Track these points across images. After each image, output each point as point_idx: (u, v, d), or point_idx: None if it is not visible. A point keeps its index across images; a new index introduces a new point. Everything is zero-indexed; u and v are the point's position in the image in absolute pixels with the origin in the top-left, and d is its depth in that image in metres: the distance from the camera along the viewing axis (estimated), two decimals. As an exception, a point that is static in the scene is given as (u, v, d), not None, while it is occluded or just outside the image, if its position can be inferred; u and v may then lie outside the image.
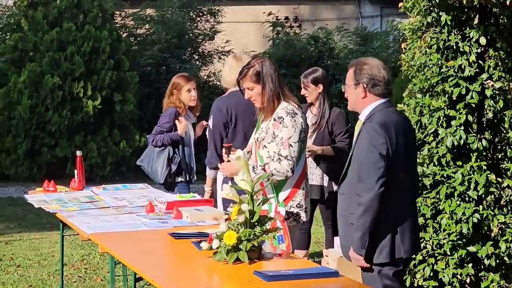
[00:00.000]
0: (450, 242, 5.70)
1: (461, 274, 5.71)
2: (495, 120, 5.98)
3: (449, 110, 5.83)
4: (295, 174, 5.21)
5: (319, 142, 7.31)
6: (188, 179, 7.34)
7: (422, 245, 5.81)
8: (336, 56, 17.32)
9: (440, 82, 5.85)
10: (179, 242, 4.73)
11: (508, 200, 5.92)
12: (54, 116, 14.48)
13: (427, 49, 5.93)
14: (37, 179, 13.88)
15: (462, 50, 5.78)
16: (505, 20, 6.00)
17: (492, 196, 5.85)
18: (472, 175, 5.72)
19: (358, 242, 4.54)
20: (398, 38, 16.54)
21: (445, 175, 5.80)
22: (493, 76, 5.78)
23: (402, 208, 4.66)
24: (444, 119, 5.83)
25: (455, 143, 5.74)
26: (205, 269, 4.21)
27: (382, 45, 18.18)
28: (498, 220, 5.73)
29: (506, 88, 5.83)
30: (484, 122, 6.00)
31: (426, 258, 5.82)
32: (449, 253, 5.72)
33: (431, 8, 5.89)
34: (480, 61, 5.80)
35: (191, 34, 17.82)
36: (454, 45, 5.80)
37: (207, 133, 7.24)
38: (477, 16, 5.88)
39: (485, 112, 6.00)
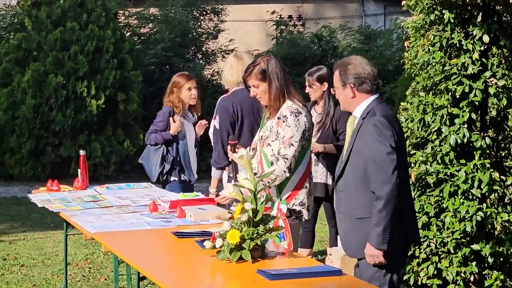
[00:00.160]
0: (453, 240, 5.69)
1: (465, 272, 5.71)
2: (499, 118, 5.97)
3: (452, 108, 5.82)
4: (299, 173, 5.21)
5: (323, 140, 7.31)
6: (181, 178, 7.29)
7: (425, 243, 5.81)
8: (340, 54, 17.30)
9: (443, 80, 5.84)
10: (183, 241, 4.73)
11: (511, 198, 5.91)
12: (58, 116, 14.49)
13: (430, 47, 5.93)
14: (41, 179, 13.89)
15: (465, 48, 5.77)
16: (508, 18, 6.00)
17: (496, 194, 5.84)
18: (476, 173, 5.72)
19: (380, 237, 4.51)
20: (402, 36, 16.53)
21: (448, 173, 5.79)
22: (496, 74, 5.77)
23: (407, 200, 4.71)
24: (448, 117, 5.82)
25: (459, 141, 5.74)
26: (208, 268, 4.21)
27: (386, 43, 18.18)
28: (501, 218, 5.73)
29: (510, 86, 5.82)
30: (488, 120, 5.99)
31: (429, 256, 5.81)
32: (452, 251, 5.71)
33: (434, 6, 5.88)
34: (483, 59, 5.79)
35: (194, 33, 17.82)
36: (457, 43, 5.79)
37: (210, 133, 7.23)
38: (480, 14, 5.87)
39: (488, 110, 5.99)
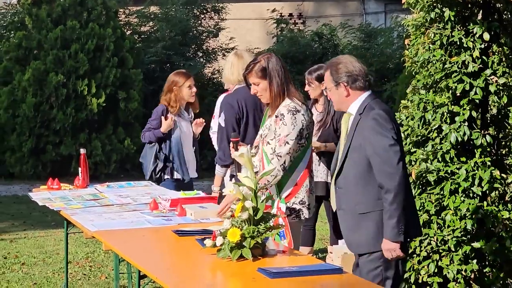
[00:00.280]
0: (454, 238, 5.69)
1: (465, 270, 5.71)
2: (499, 116, 5.97)
3: (453, 106, 5.82)
4: (299, 171, 5.20)
5: (324, 139, 7.31)
6: (174, 177, 7.28)
7: (426, 241, 5.81)
8: (340, 52, 17.28)
9: (443, 78, 5.84)
10: (183, 239, 4.73)
11: (512, 196, 5.92)
12: (58, 114, 14.49)
13: (430, 45, 5.93)
14: (41, 177, 13.89)
15: (466, 46, 5.77)
16: (509, 16, 5.99)
17: (496, 192, 5.84)
18: (476, 171, 5.72)
19: (395, 229, 4.53)
20: (402, 34, 16.52)
21: (449, 171, 5.79)
22: (497, 71, 5.77)
23: (409, 191, 4.73)
24: (448, 115, 5.82)
25: (459, 139, 5.74)
26: (209, 266, 4.21)
27: (386, 42, 18.18)
28: (502, 216, 5.73)
29: (510, 83, 5.82)
30: (488, 118, 5.99)
31: (430, 254, 5.81)
32: (453, 249, 5.71)
33: (435, 4, 5.88)
34: (483, 57, 5.79)
35: (195, 31, 17.81)
36: (458, 41, 5.79)
37: (210, 133, 7.22)
38: (481, 11, 5.87)
39: (489, 108, 5.99)
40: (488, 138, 5.78)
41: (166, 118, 7.24)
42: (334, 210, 4.95)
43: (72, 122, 14.53)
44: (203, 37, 17.94)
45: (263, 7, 20.07)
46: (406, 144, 5.96)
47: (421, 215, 5.75)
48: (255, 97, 5.49)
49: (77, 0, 14.96)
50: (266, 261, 4.18)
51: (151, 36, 17.44)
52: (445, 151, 5.80)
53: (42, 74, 14.52)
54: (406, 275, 5.75)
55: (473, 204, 5.69)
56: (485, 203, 5.75)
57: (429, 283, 5.79)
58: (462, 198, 5.73)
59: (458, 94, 5.80)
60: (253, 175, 4.34)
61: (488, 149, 5.85)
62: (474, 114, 5.79)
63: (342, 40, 18.18)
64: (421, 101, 5.97)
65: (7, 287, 7.38)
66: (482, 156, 5.76)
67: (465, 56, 5.77)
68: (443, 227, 5.77)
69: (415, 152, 5.93)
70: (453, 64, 5.79)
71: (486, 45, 5.82)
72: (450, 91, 5.81)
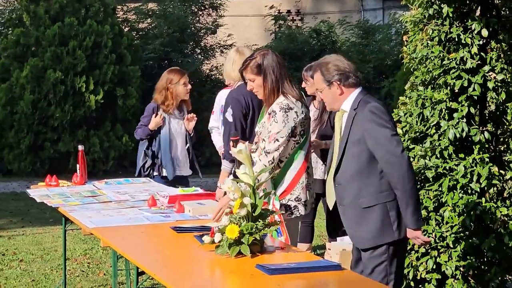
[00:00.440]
0: (452, 235, 5.69)
1: (464, 267, 5.71)
2: (498, 112, 5.97)
3: (451, 103, 5.81)
4: (294, 169, 5.18)
5: (321, 136, 7.29)
6: (163, 174, 7.27)
7: (424, 237, 5.81)
8: (338, 49, 17.29)
9: (442, 74, 5.83)
10: (181, 236, 4.72)
11: (510, 192, 5.91)
12: (56, 111, 14.49)
13: (428, 42, 5.92)
14: (40, 174, 13.89)
15: (464, 42, 5.76)
16: (507, 12, 5.99)
17: (495, 188, 5.84)
18: (475, 168, 5.71)
19: (414, 216, 4.58)
20: (400, 31, 16.54)
21: (447, 168, 5.79)
22: (495, 68, 5.77)
23: (416, 179, 4.81)
24: (446, 111, 5.82)
25: (457, 135, 5.73)
26: (207, 263, 4.20)
27: (384, 38, 18.19)
28: (501, 212, 5.73)
29: (509, 80, 5.81)
30: (487, 114, 5.99)
31: (428, 250, 5.81)
32: (452, 246, 5.71)
33: (433, 0, 5.87)
34: (482, 53, 5.79)
35: (193, 28, 17.80)
36: (456, 37, 5.78)
37: (209, 127, 7.20)
38: (479, 8, 5.86)
39: (487, 104, 5.98)
40: (486, 134, 5.78)
41: (154, 116, 7.27)
42: (330, 208, 4.95)
43: (70, 119, 14.53)
44: (201, 34, 17.93)
45: (261, 3, 20.06)
46: (404, 140, 5.96)
47: (420, 212, 5.75)
48: None
49: (75, -3, 14.98)
50: (265, 258, 4.18)
51: (149, 33, 17.44)
52: (443, 147, 5.80)
53: (40, 71, 14.52)
54: (404, 272, 5.75)
55: (471, 200, 5.69)
56: (483, 199, 5.75)
57: (428, 279, 5.79)
58: (460, 195, 5.73)
59: (457, 91, 5.80)
60: (251, 171, 4.34)
61: (487, 146, 5.85)
62: (472, 110, 5.79)
63: (340, 37, 18.18)
64: (419, 97, 5.96)
65: (5, 283, 7.37)
66: (481, 153, 5.76)
67: (463, 52, 5.76)
68: (442, 224, 5.77)
69: (413, 148, 5.93)
70: (451, 60, 5.79)
71: (484, 41, 5.81)
72: (448, 88, 5.81)
